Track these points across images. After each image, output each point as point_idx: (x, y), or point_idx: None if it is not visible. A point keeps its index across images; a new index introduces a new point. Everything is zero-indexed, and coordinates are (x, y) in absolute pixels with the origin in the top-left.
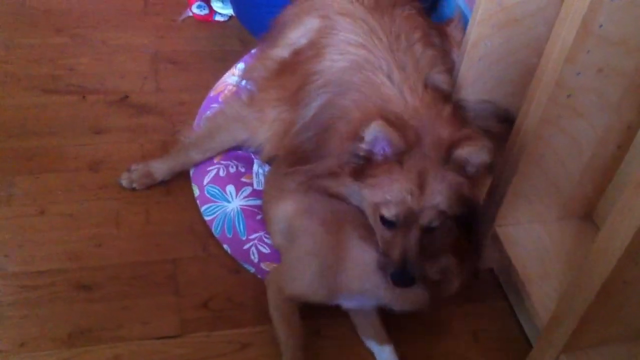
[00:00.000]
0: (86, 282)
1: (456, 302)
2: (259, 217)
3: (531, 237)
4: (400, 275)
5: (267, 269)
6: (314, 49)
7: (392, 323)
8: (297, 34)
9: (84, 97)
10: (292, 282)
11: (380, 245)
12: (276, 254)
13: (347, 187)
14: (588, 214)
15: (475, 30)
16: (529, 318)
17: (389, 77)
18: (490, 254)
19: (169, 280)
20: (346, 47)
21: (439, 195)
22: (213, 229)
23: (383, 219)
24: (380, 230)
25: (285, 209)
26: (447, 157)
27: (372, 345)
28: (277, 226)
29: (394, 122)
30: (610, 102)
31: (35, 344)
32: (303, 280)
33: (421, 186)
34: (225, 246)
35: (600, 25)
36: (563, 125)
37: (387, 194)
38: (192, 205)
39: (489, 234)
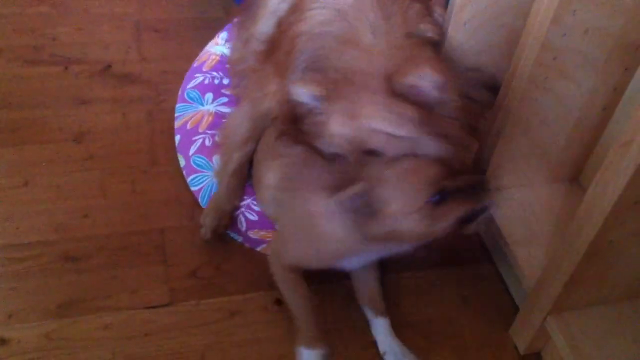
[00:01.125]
0: (73, 253)
1: (443, 266)
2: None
3: (518, 201)
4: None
5: (255, 237)
6: (297, 11)
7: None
8: (276, 1)
9: (66, 67)
10: (287, 252)
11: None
12: (264, 221)
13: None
14: (575, 176)
15: None
16: (516, 281)
17: (372, 27)
18: None
19: (157, 250)
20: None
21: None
22: (199, 199)
23: None
24: None
25: (271, 177)
26: (387, 87)
27: (369, 314)
28: (266, 194)
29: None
30: (596, 64)
31: (24, 315)
32: (296, 248)
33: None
34: None
35: None
36: (549, 88)
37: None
38: (178, 174)
39: None
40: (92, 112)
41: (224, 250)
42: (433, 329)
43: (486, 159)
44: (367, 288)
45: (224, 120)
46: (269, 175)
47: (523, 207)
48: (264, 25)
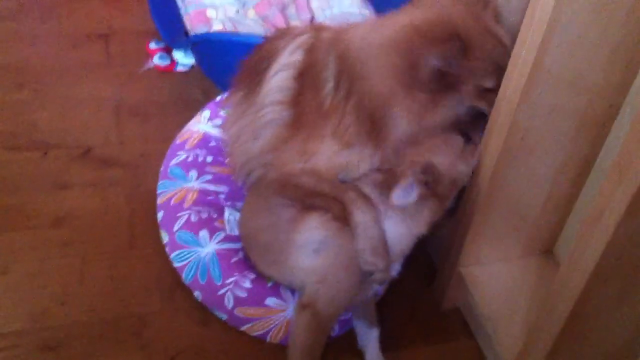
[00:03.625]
0: (51, 342)
1: (424, 344)
2: (234, 259)
3: (495, 276)
4: None
5: (241, 315)
6: (313, 50)
7: None
8: (286, 56)
9: (45, 152)
10: (337, 294)
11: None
12: (255, 297)
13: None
14: (549, 248)
15: None
16: (496, 357)
17: None
18: (455, 293)
19: (135, 337)
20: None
21: None
22: (184, 276)
23: None
24: None
25: (313, 224)
26: None
27: (361, 327)
28: (303, 251)
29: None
30: (563, 140)
31: None
32: (349, 283)
33: None
34: (196, 293)
35: (550, 66)
36: (520, 164)
37: None
38: (157, 257)
39: (453, 275)
40: (71, 197)
41: (205, 332)
42: None
43: (462, 235)
44: (365, 305)
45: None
46: (303, 235)
47: (500, 281)
48: (278, 81)
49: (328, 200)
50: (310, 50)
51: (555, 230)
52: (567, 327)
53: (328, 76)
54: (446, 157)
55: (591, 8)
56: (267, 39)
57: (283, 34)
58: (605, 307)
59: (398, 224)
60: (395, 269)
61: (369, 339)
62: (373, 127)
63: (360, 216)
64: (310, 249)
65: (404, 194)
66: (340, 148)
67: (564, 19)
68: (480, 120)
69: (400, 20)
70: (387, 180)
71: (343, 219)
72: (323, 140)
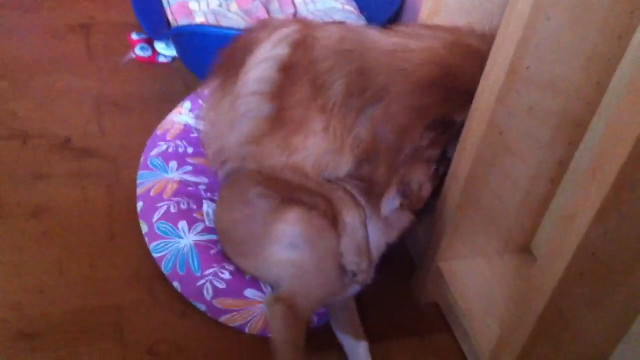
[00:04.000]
0: (28, 330)
1: (402, 336)
2: (212, 251)
3: (473, 271)
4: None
5: (220, 306)
6: (301, 46)
7: None
8: (269, 48)
9: (24, 141)
10: (314, 291)
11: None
12: (234, 288)
13: None
14: (526, 246)
15: None
16: (473, 351)
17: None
18: (433, 288)
19: (113, 327)
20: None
21: None
22: (163, 267)
23: None
24: None
25: (293, 218)
26: None
27: (347, 340)
28: (278, 252)
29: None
30: (540, 140)
31: None
32: (327, 280)
33: None
34: (175, 284)
35: (527, 67)
36: (497, 163)
37: None
38: (136, 248)
39: (431, 269)
40: (50, 187)
41: (183, 324)
42: None
43: (441, 229)
44: (347, 314)
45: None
46: (282, 228)
47: (478, 277)
48: (259, 72)
49: (314, 196)
50: (300, 46)
51: (532, 228)
52: (542, 323)
53: (336, 80)
54: (421, 176)
55: (567, 14)
56: (247, 30)
57: (264, 25)
58: (580, 305)
59: (377, 230)
60: (370, 275)
61: (359, 354)
62: (380, 146)
63: (350, 216)
64: (288, 243)
65: (390, 203)
66: (330, 148)
67: (540, 23)
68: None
69: (424, 56)
70: (369, 187)
71: (328, 216)
72: (310, 137)
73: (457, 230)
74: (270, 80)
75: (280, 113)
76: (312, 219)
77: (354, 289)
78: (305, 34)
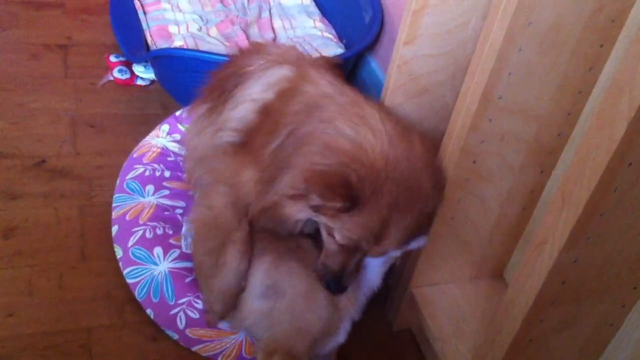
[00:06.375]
0: None
1: None
2: (188, 279)
3: (446, 297)
4: (335, 283)
5: (192, 336)
6: (284, 97)
7: None
8: (258, 91)
9: None
10: (303, 334)
11: (323, 253)
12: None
13: (305, 211)
14: (499, 272)
15: (388, 98)
16: None
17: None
18: (407, 314)
19: (83, 350)
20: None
21: (392, 243)
22: (136, 293)
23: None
24: (328, 242)
25: (263, 266)
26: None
27: None
28: (255, 291)
29: (348, 178)
30: (513, 167)
31: None
32: (314, 322)
33: (378, 236)
34: (148, 311)
35: (500, 97)
36: (470, 189)
37: (345, 228)
38: (109, 269)
39: (405, 295)
40: (23, 207)
41: (154, 348)
42: None
43: (415, 255)
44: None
45: (196, 206)
46: (255, 280)
47: (450, 302)
48: (242, 111)
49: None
50: (284, 97)
51: (505, 255)
52: (513, 348)
53: (282, 133)
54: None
55: (538, 46)
56: (240, 53)
57: (258, 49)
58: (551, 331)
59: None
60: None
61: None
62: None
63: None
64: (258, 293)
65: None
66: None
67: (512, 53)
68: None
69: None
70: None
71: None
72: (248, 168)
73: (430, 256)
74: (248, 120)
75: (243, 144)
76: (275, 268)
77: (344, 326)
78: (295, 86)
